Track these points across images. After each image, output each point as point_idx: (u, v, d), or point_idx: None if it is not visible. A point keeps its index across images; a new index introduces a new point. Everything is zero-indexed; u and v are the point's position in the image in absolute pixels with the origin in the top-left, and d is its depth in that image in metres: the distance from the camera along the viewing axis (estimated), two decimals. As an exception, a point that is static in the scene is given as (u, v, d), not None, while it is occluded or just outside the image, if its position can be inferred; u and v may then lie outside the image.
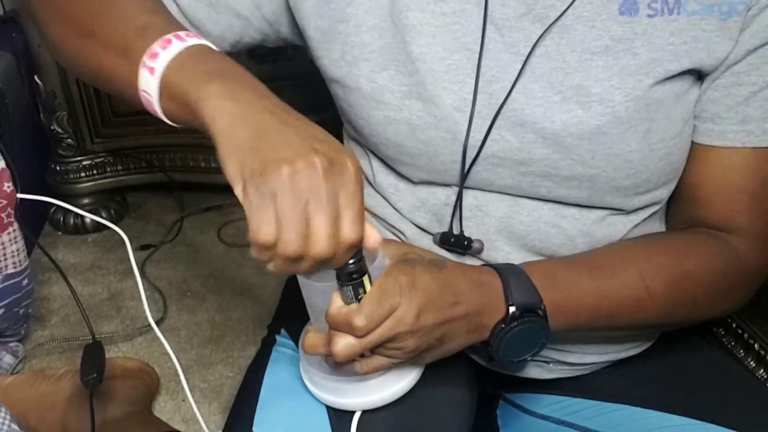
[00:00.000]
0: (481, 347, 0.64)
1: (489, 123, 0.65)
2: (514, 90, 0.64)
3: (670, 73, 0.63)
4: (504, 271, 0.64)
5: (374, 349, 0.58)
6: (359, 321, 0.55)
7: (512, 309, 0.62)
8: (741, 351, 0.89)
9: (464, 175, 0.67)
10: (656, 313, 0.67)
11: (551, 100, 0.64)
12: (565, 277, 0.65)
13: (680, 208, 0.72)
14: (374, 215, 0.76)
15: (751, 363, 0.88)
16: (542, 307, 0.63)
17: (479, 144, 0.66)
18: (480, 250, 0.70)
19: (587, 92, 0.63)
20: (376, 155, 0.73)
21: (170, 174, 1.51)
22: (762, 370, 0.87)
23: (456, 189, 0.69)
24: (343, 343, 0.56)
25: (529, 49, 0.64)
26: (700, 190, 0.69)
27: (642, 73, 0.63)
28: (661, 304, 0.66)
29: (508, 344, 0.63)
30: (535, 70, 0.64)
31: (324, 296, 0.58)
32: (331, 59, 0.69)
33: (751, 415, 0.67)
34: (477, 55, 0.65)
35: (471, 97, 0.65)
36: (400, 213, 0.74)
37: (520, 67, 0.64)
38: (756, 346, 0.88)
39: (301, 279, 0.59)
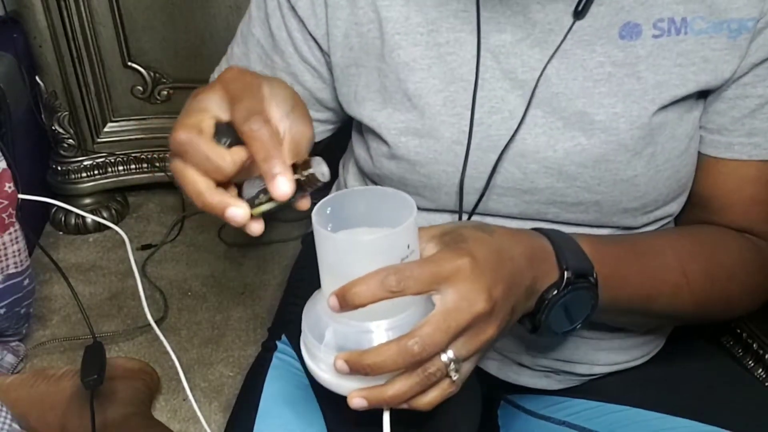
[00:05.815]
0: (522, 321, 0.58)
1: (491, 155, 0.64)
2: (513, 119, 0.63)
3: (676, 98, 0.61)
4: (554, 235, 0.58)
5: (464, 360, 0.50)
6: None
7: (567, 274, 0.56)
8: (739, 350, 0.89)
9: (461, 207, 0.66)
10: (691, 302, 0.65)
11: (554, 126, 0.63)
12: (610, 251, 0.61)
13: (695, 214, 0.71)
14: None
15: (750, 363, 0.88)
16: (594, 274, 0.57)
17: (483, 176, 0.64)
18: None
19: (590, 120, 0.62)
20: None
21: (171, 174, 1.51)
22: (761, 370, 0.87)
23: (464, 216, 0.68)
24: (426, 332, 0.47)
25: (527, 74, 0.62)
26: (715, 201, 0.68)
27: (647, 99, 0.61)
28: (697, 292, 0.64)
29: (558, 313, 0.57)
30: (536, 96, 0.63)
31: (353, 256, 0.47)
32: (344, 99, 0.70)
33: (753, 418, 0.67)
34: (473, 86, 0.63)
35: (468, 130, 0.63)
36: None
37: (520, 93, 0.63)
38: (755, 345, 0.88)
39: (321, 234, 0.49)
